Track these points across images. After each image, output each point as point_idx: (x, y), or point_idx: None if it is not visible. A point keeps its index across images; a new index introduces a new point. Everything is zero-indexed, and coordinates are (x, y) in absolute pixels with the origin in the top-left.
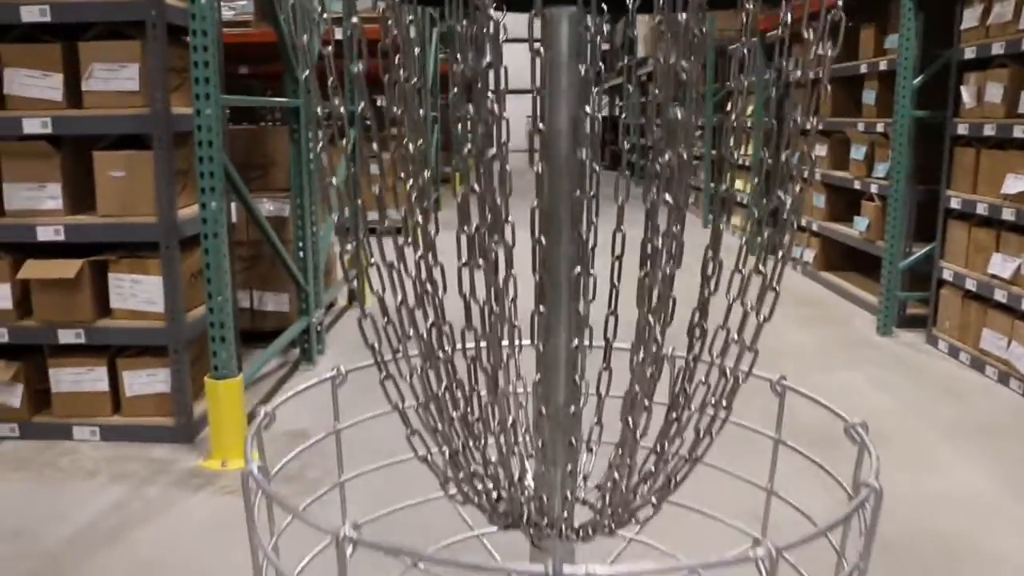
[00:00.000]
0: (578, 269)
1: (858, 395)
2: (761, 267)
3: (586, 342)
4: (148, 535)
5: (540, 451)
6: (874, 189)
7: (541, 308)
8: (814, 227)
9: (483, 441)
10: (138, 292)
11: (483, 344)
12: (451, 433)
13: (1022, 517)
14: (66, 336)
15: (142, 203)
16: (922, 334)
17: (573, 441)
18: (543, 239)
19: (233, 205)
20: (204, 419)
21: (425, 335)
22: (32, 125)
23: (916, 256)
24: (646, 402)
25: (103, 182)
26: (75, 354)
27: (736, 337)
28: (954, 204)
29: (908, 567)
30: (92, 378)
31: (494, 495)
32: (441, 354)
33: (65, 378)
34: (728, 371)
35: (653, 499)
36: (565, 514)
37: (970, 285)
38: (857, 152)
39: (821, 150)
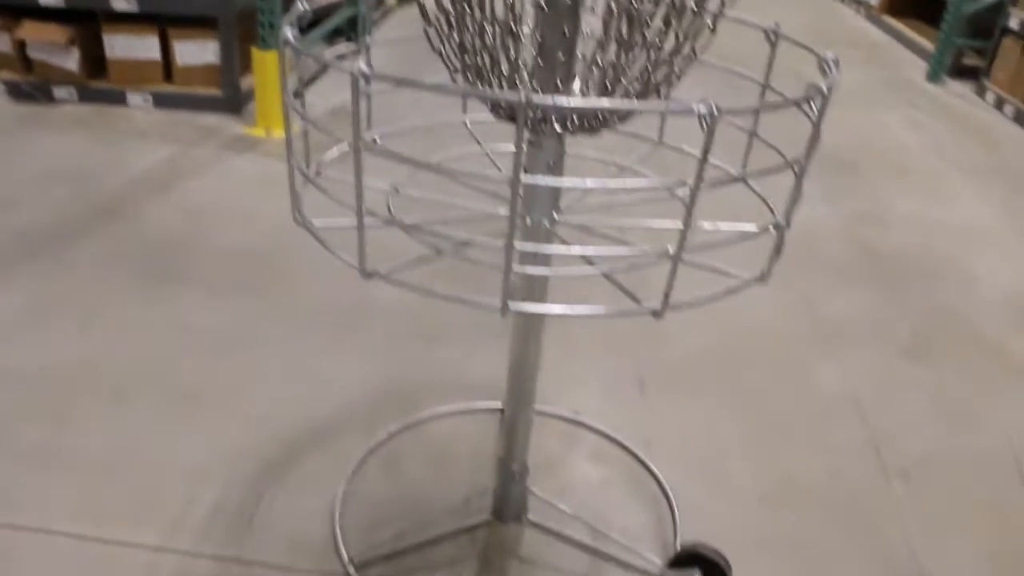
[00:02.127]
0: None
1: (889, 132)
2: None
3: None
4: (197, 186)
5: (537, 44)
6: None
7: None
8: None
9: (489, 32)
10: None
11: None
12: (462, 23)
13: (1013, 249)
14: (119, 3)
15: None
16: (973, 85)
17: (566, 31)
18: None
19: None
20: (251, 93)
21: None
22: None
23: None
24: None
25: None
26: (128, 22)
27: None
28: None
29: (891, 273)
30: (145, 46)
31: (496, 84)
32: None
33: (119, 44)
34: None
35: (635, 89)
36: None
37: None
38: None
39: None
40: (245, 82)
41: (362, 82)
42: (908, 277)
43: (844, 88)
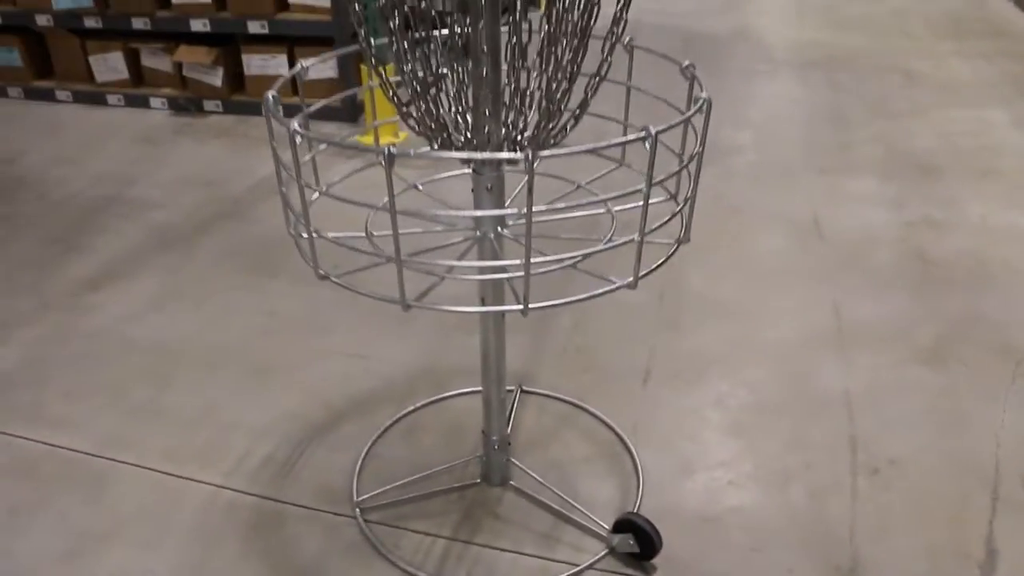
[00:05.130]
0: None
1: (991, 131)
2: None
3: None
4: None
5: (475, 100)
6: None
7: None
8: None
9: (437, 89)
10: None
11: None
12: (415, 77)
13: None
14: (253, 27)
15: None
16: None
17: (500, 96)
18: None
19: None
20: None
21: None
22: None
23: None
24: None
25: None
26: (261, 43)
27: None
28: None
29: (936, 279)
30: (275, 64)
31: (444, 132)
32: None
33: (254, 63)
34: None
35: (562, 132)
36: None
37: None
38: None
39: None
40: (362, 92)
41: (298, 138)
42: (953, 283)
43: (954, 80)
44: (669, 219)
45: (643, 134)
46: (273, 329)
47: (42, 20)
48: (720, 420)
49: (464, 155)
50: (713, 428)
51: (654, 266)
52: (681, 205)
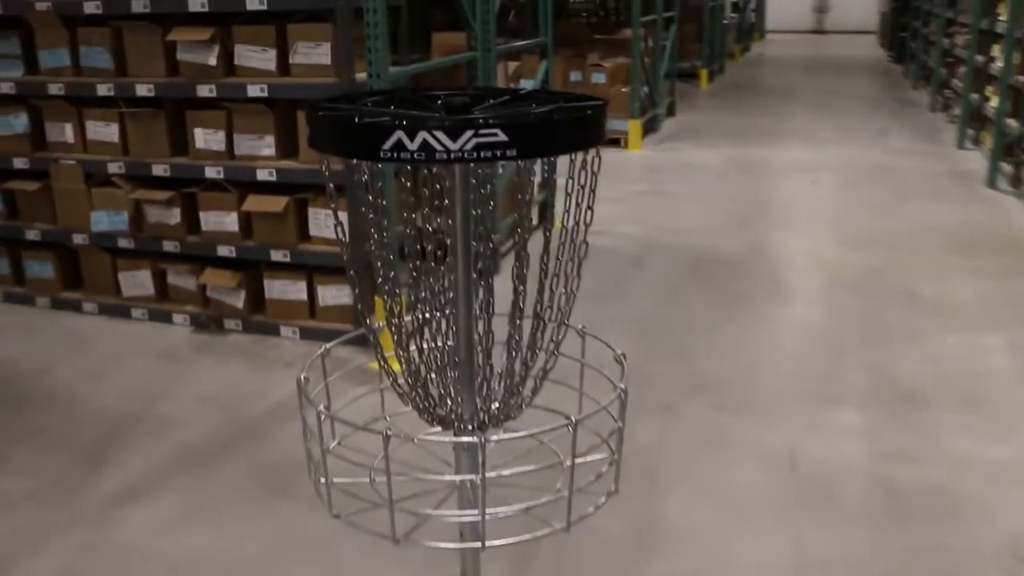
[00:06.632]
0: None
1: (984, 357)
2: None
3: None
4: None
5: (456, 382)
6: None
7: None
8: None
9: (427, 377)
10: (330, 224)
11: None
12: (413, 373)
13: None
14: (276, 255)
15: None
16: None
17: (472, 377)
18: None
19: None
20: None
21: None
22: (254, 90)
23: None
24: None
25: (305, 136)
26: (283, 270)
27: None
28: None
29: (901, 513)
30: (295, 289)
31: (433, 409)
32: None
33: (275, 288)
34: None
35: (521, 407)
36: (468, 417)
37: None
38: None
39: None
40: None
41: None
42: (914, 517)
43: (961, 305)
44: (592, 478)
45: (566, 423)
46: (286, 548)
47: (78, 239)
48: None
49: (443, 439)
50: None
51: (587, 513)
52: (607, 467)
